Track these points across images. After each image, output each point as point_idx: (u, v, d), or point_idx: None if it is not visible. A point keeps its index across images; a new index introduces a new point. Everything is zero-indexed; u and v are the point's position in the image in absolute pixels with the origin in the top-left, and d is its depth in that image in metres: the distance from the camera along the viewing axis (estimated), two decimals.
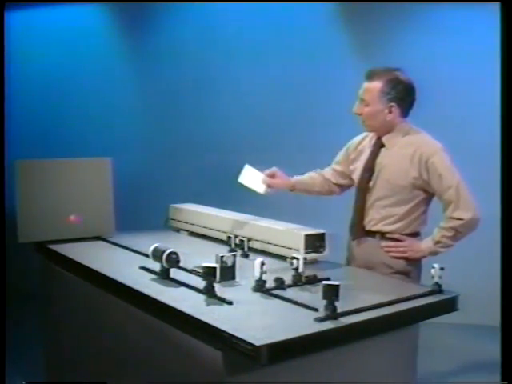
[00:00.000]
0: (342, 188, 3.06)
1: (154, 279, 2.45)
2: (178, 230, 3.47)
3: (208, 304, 2.13)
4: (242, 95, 5.19)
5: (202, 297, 2.19)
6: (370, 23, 4.93)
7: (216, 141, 5.25)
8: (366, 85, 2.74)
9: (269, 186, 2.92)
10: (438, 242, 2.70)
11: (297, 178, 3.03)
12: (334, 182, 3.04)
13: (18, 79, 5.43)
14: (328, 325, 1.95)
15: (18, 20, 5.49)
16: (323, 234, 2.78)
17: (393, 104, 2.72)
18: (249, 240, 2.90)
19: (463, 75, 4.76)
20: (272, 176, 2.93)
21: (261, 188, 2.92)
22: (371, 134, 2.88)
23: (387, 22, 4.91)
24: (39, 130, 5.53)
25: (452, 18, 4.83)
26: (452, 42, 4.82)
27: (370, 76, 2.73)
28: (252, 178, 2.95)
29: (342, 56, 4.97)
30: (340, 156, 3.03)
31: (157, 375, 2.26)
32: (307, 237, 2.74)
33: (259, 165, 5.05)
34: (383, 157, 2.79)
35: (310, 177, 3.06)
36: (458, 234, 2.68)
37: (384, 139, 2.79)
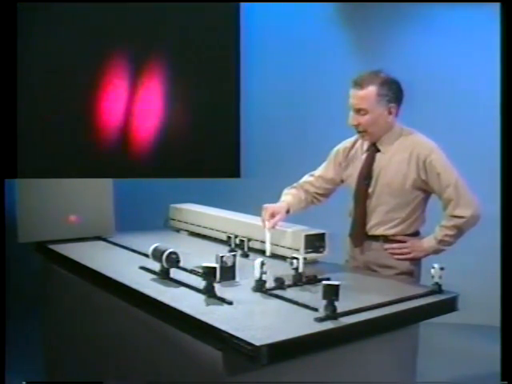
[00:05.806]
0: (326, 196, 3.01)
1: (154, 279, 2.45)
2: (178, 230, 3.47)
3: (208, 304, 2.13)
4: (241, 95, 5.18)
5: (201, 297, 2.19)
6: (371, 23, 4.93)
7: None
8: (360, 93, 2.64)
9: (273, 227, 2.75)
10: (441, 241, 2.71)
11: (285, 203, 2.85)
12: (320, 191, 2.97)
13: None
14: (328, 325, 1.95)
15: None
16: (323, 234, 2.79)
17: (392, 105, 2.70)
18: (249, 240, 2.90)
19: (463, 75, 4.76)
20: (272, 215, 2.74)
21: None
22: (361, 139, 2.83)
23: (387, 22, 4.91)
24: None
25: (452, 17, 4.83)
26: (452, 42, 4.81)
27: (360, 84, 2.65)
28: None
29: (342, 55, 4.97)
30: (329, 162, 2.97)
31: (157, 375, 2.26)
32: (307, 237, 2.74)
33: (258, 164, 5.09)
34: (379, 162, 2.76)
35: (293, 196, 2.92)
36: (460, 231, 2.69)
37: (378, 144, 2.77)
